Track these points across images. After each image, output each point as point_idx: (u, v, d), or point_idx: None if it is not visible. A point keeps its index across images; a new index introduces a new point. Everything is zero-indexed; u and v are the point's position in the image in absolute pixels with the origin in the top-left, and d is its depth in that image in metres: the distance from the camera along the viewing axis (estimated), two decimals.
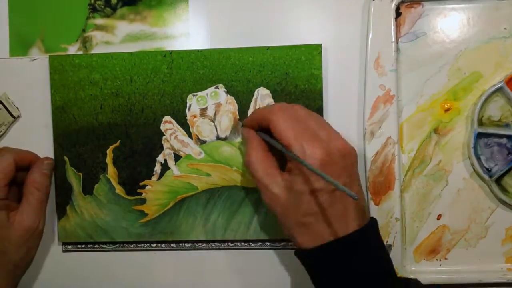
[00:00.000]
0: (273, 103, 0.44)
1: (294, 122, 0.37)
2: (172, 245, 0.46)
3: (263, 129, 0.40)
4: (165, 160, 0.45)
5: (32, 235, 0.42)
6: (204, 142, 0.45)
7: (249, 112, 0.45)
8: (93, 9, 0.47)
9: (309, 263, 0.38)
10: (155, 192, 0.45)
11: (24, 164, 0.43)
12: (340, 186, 0.33)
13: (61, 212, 0.46)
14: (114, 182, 0.46)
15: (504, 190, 0.44)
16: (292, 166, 0.37)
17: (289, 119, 0.37)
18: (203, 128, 0.45)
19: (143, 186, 0.46)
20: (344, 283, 0.36)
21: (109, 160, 0.46)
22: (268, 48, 0.45)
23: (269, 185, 0.37)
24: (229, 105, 0.45)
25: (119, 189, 0.46)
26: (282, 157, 0.39)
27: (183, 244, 0.46)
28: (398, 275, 0.43)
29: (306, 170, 0.36)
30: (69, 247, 0.47)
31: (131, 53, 0.45)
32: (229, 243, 0.46)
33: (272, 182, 0.37)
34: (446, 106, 0.45)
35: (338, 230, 0.36)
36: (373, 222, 0.38)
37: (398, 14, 0.44)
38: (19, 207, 0.42)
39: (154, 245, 0.46)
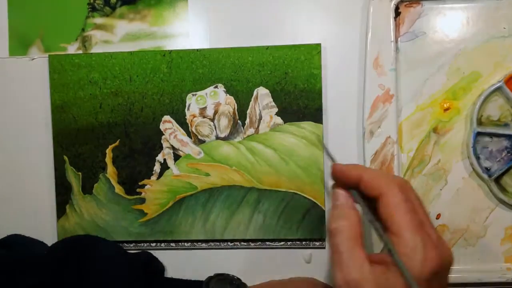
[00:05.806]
0: (272, 103, 0.44)
1: (408, 207, 0.32)
2: (171, 244, 0.46)
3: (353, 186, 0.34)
4: (165, 159, 0.45)
5: None
6: (203, 141, 0.45)
7: (248, 112, 0.45)
8: (93, 8, 0.47)
9: None
10: (155, 192, 0.45)
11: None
12: None
13: (60, 211, 0.46)
14: (113, 182, 0.46)
15: (503, 189, 0.44)
16: (389, 260, 0.31)
17: (405, 201, 0.32)
18: (203, 127, 0.45)
19: (143, 186, 0.46)
20: None
21: (108, 159, 0.46)
22: (267, 47, 0.45)
23: (351, 268, 0.31)
24: (228, 105, 0.45)
25: (118, 189, 0.46)
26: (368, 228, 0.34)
27: (183, 243, 0.46)
28: None
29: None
30: None
31: (131, 52, 0.45)
32: (229, 243, 0.46)
33: (355, 266, 0.31)
34: (445, 106, 0.45)
35: None
36: None
37: (397, 13, 0.44)
38: None
39: (153, 244, 0.46)
